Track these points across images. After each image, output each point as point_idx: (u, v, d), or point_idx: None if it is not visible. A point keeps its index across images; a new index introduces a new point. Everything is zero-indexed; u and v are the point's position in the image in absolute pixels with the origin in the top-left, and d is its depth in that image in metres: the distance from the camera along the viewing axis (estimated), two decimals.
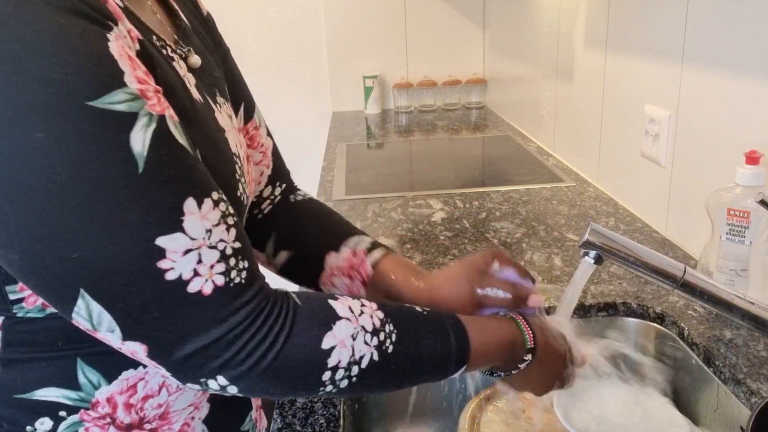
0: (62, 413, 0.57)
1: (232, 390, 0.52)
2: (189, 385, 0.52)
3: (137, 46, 0.50)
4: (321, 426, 0.76)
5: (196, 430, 0.65)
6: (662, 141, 1.20)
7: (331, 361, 0.53)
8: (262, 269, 0.62)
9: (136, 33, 0.51)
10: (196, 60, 0.64)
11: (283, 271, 0.83)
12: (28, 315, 0.55)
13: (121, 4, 0.52)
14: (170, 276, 0.47)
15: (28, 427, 0.57)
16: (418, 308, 0.63)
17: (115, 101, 0.44)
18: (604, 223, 1.31)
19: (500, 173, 1.73)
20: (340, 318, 0.55)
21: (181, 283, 0.47)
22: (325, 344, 0.53)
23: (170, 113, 0.49)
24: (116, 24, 0.47)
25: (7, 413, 0.57)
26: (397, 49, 2.66)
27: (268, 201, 0.84)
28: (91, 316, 0.47)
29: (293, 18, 2.61)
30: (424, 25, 2.64)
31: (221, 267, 0.50)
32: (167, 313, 0.48)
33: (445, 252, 1.19)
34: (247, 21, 2.59)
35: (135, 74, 0.46)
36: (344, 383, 0.55)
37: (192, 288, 0.48)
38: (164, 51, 0.58)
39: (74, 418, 0.57)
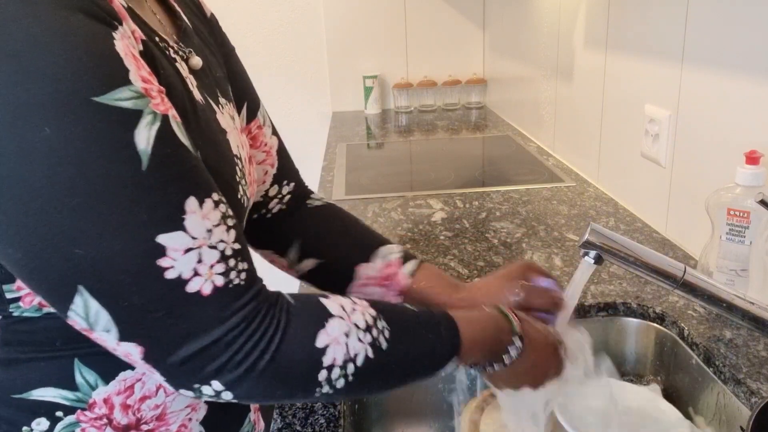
0: (59, 413, 0.57)
1: (227, 396, 0.51)
2: (183, 391, 0.51)
3: (140, 47, 0.50)
4: (321, 426, 0.76)
5: None
6: (662, 141, 1.20)
7: (327, 360, 0.53)
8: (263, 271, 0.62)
9: (139, 33, 0.51)
10: (197, 61, 0.64)
11: (308, 277, 0.83)
12: (25, 315, 0.54)
13: (125, 5, 0.52)
14: (170, 275, 0.47)
15: (25, 428, 0.57)
16: (407, 305, 0.63)
17: (120, 98, 0.44)
18: (604, 223, 1.31)
19: (500, 173, 1.73)
20: (332, 316, 0.55)
21: (180, 283, 0.47)
22: (320, 342, 0.53)
23: (173, 113, 0.49)
24: (121, 23, 0.47)
25: (4, 413, 0.57)
26: (397, 49, 2.66)
27: (276, 200, 0.84)
28: (88, 315, 0.47)
29: (293, 18, 2.61)
30: (424, 25, 2.64)
31: (221, 267, 0.49)
32: (166, 313, 0.47)
33: (445, 252, 1.19)
34: (247, 21, 2.59)
35: (140, 73, 0.46)
36: (341, 382, 0.54)
37: (191, 288, 0.48)
38: (167, 52, 0.58)
39: (71, 418, 0.57)
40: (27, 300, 0.54)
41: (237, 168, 0.64)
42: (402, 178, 1.73)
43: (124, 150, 0.44)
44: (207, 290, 0.48)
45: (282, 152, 0.85)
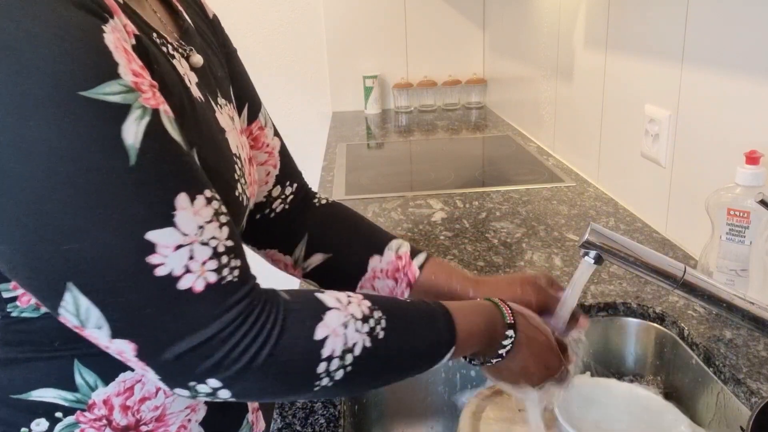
0: (58, 414, 0.57)
1: (224, 394, 0.51)
2: (178, 390, 0.50)
3: (133, 41, 0.50)
4: (321, 426, 0.76)
5: None
6: (662, 141, 1.20)
7: (325, 351, 0.53)
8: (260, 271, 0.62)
9: (132, 28, 0.50)
10: (198, 59, 0.64)
11: (314, 274, 0.83)
12: (24, 314, 0.54)
13: (121, 1, 0.51)
14: (160, 272, 0.46)
15: (24, 429, 0.57)
16: (401, 298, 0.64)
17: (108, 92, 0.44)
18: (604, 223, 1.30)
19: (500, 173, 1.73)
20: (329, 308, 0.55)
21: (171, 280, 0.47)
22: (318, 335, 0.53)
23: (165, 108, 0.48)
24: (112, 17, 0.47)
25: (2, 413, 0.57)
26: (397, 49, 2.66)
27: (279, 200, 0.84)
28: (79, 312, 0.47)
29: (293, 18, 2.61)
30: (424, 25, 2.64)
31: (213, 264, 0.49)
32: (157, 311, 0.47)
33: (445, 252, 1.18)
34: (247, 21, 2.59)
35: (130, 67, 0.46)
36: (339, 374, 0.54)
37: (182, 285, 0.47)
38: (164, 48, 0.58)
39: (70, 419, 0.57)
40: (24, 299, 0.54)
41: (236, 167, 0.64)
42: (402, 178, 1.73)
43: (111, 144, 0.44)
44: (199, 287, 0.48)
45: (284, 153, 0.86)
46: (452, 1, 2.62)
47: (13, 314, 0.54)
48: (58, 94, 0.42)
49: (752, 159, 0.87)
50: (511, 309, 0.68)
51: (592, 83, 1.54)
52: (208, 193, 0.50)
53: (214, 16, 0.79)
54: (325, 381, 0.54)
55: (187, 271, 0.47)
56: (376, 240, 0.82)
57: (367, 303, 0.58)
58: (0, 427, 0.57)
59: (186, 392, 0.51)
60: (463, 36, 2.68)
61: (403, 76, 2.69)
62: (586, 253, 0.70)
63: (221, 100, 0.68)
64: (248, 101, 0.80)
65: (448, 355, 0.62)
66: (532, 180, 1.63)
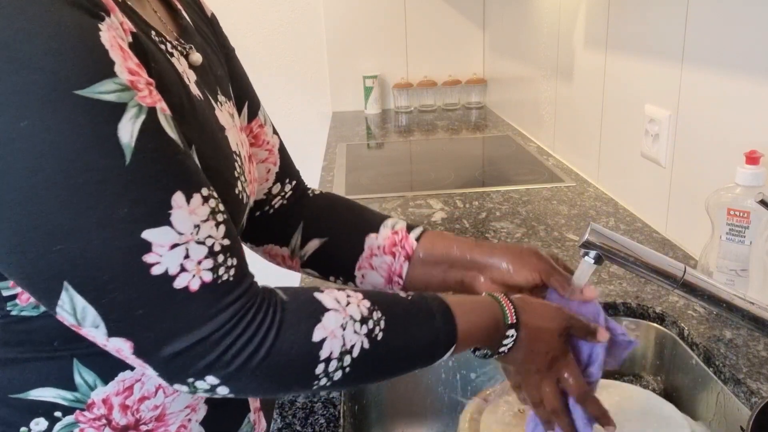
0: (58, 414, 0.57)
1: (223, 391, 0.51)
2: (177, 386, 0.51)
3: (130, 39, 0.49)
4: (321, 426, 0.76)
5: None
6: (662, 141, 1.20)
7: (323, 353, 0.53)
8: (259, 269, 0.62)
9: (129, 26, 0.50)
10: (197, 57, 0.64)
11: (312, 261, 0.82)
12: (23, 313, 0.54)
13: None
14: (156, 270, 0.46)
15: (23, 428, 0.57)
16: (402, 294, 0.63)
17: (104, 91, 0.44)
18: (604, 223, 1.30)
19: (500, 173, 1.73)
20: (327, 309, 0.55)
21: (167, 279, 0.47)
22: (316, 336, 0.53)
23: (162, 106, 0.48)
24: (108, 15, 0.47)
25: (2, 413, 0.57)
26: (397, 49, 2.66)
27: (279, 197, 0.85)
28: (75, 311, 0.47)
29: (293, 18, 2.61)
30: (424, 25, 2.63)
31: (209, 263, 0.49)
32: (153, 309, 0.47)
33: None
34: (247, 21, 2.59)
35: (126, 65, 0.46)
36: (338, 375, 0.54)
37: (178, 284, 0.47)
38: (163, 46, 0.58)
39: (70, 418, 0.57)
40: (24, 297, 0.54)
41: (236, 164, 0.64)
42: (402, 178, 1.73)
43: (107, 144, 0.44)
44: (194, 286, 0.48)
45: (283, 151, 0.86)
46: (452, 1, 2.62)
47: (13, 313, 0.54)
48: (53, 93, 0.42)
49: (752, 159, 0.87)
50: (514, 306, 0.66)
51: (592, 83, 1.54)
52: (204, 191, 0.50)
53: (213, 15, 0.79)
54: (324, 381, 0.54)
55: (183, 270, 0.47)
56: (372, 220, 0.82)
57: (367, 303, 0.58)
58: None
59: (185, 388, 0.51)
60: (463, 36, 2.68)
61: (403, 76, 2.69)
62: (586, 253, 0.69)
63: (221, 98, 0.68)
64: (248, 99, 0.80)
65: (448, 354, 0.62)
66: (532, 180, 1.63)
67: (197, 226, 0.49)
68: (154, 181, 0.46)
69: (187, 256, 0.48)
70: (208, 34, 0.74)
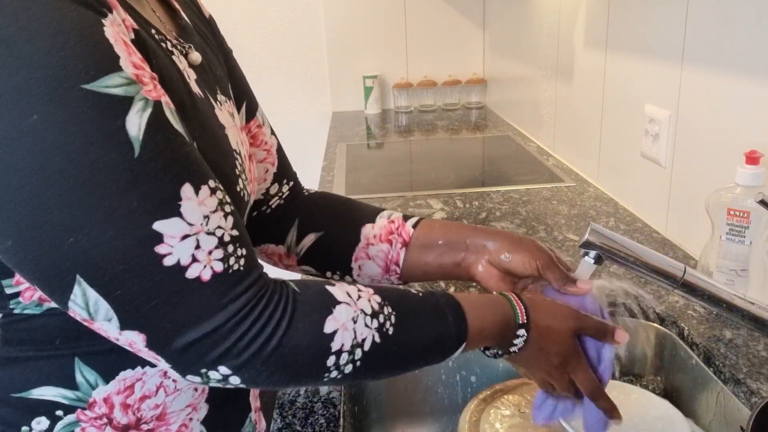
0: (59, 413, 0.57)
1: (235, 381, 0.52)
2: (190, 377, 0.51)
3: (131, 35, 0.50)
4: (321, 426, 0.76)
5: (194, 431, 0.65)
6: (662, 141, 1.20)
7: (335, 345, 0.53)
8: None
9: (131, 22, 0.51)
10: (196, 56, 0.64)
11: (308, 257, 0.83)
12: (26, 311, 0.54)
13: None
14: (168, 261, 0.47)
15: (24, 427, 0.57)
16: (413, 290, 0.63)
17: (110, 85, 0.44)
18: (604, 223, 1.31)
19: (500, 173, 1.73)
20: (339, 302, 0.55)
21: (179, 269, 0.47)
22: (327, 328, 0.53)
23: (166, 100, 0.49)
24: (111, 11, 0.47)
25: (3, 412, 0.57)
26: (397, 49, 2.66)
27: (276, 198, 0.85)
28: (88, 305, 0.47)
29: (293, 18, 2.61)
30: (424, 25, 2.64)
31: (219, 253, 0.49)
32: (166, 300, 0.47)
33: None
34: (247, 21, 2.59)
35: (130, 59, 0.46)
36: (348, 368, 0.55)
37: (190, 274, 0.48)
38: (163, 45, 0.58)
39: (71, 417, 0.57)
40: (27, 295, 0.54)
41: (236, 162, 0.64)
42: (402, 178, 1.73)
43: (116, 137, 0.44)
44: (206, 276, 0.48)
45: (281, 152, 0.86)
46: (452, 1, 2.62)
47: (16, 311, 0.54)
48: (60, 88, 0.42)
49: (752, 159, 0.88)
50: (525, 305, 0.66)
51: (592, 83, 1.54)
52: (212, 183, 0.51)
53: (210, 16, 0.79)
54: (335, 374, 0.55)
55: (194, 260, 0.48)
56: (367, 211, 0.82)
57: (378, 298, 0.58)
58: (1, 425, 0.57)
59: (198, 379, 0.51)
60: (463, 36, 2.68)
61: (403, 76, 2.69)
62: (586, 253, 0.69)
63: (221, 97, 0.68)
64: (246, 100, 0.80)
65: (458, 351, 0.62)
66: (532, 180, 1.63)
67: (206, 217, 0.49)
68: (163, 173, 0.46)
69: (198, 247, 0.48)
70: (207, 34, 0.75)
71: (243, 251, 0.52)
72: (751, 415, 0.62)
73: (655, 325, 0.96)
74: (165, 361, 0.50)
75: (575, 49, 1.64)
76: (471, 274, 0.76)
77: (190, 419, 0.64)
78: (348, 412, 0.86)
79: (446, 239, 0.78)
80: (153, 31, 0.57)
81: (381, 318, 0.57)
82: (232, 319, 0.49)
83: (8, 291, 0.53)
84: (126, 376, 0.58)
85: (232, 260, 0.50)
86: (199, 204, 0.49)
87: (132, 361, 0.57)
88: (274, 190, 0.84)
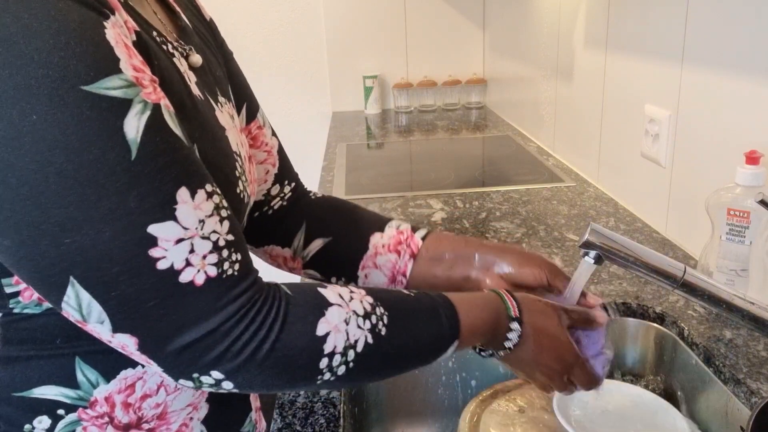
0: (60, 411, 0.57)
1: (228, 386, 0.52)
2: (182, 381, 0.51)
3: (133, 37, 0.50)
4: (321, 426, 0.76)
5: (194, 431, 0.65)
6: (662, 141, 1.20)
7: (327, 347, 0.53)
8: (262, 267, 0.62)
9: (132, 24, 0.51)
10: (197, 59, 0.64)
11: (314, 261, 0.83)
12: (26, 310, 0.54)
13: None
14: (162, 265, 0.47)
15: (26, 426, 0.57)
16: (405, 291, 0.63)
17: (110, 87, 0.44)
18: (604, 223, 1.31)
19: (500, 173, 1.73)
20: (331, 304, 0.55)
21: (172, 273, 0.47)
22: (320, 330, 0.53)
23: (165, 103, 0.49)
24: (113, 13, 0.47)
25: (5, 411, 0.57)
26: (397, 49, 2.66)
27: (278, 198, 0.85)
28: (81, 306, 0.47)
29: (293, 18, 2.61)
30: (424, 25, 2.64)
31: (214, 258, 0.49)
32: (158, 304, 0.47)
33: None
34: (247, 21, 2.59)
35: (131, 62, 0.46)
36: (342, 369, 0.55)
37: (184, 278, 0.48)
38: (165, 47, 0.58)
39: (72, 416, 0.57)
40: (26, 294, 0.54)
41: (237, 164, 0.64)
42: (402, 178, 1.73)
43: (114, 139, 0.44)
44: (199, 280, 0.48)
45: (282, 153, 0.86)
46: (452, 1, 2.63)
47: (16, 310, 0.54)
48: (61, 88, 0.42)
49: (752, 159, 0.88)
50: (516, 301, 0.67)
51: (592, 83, 1.54)
52: (208, 187, 0.51)
53: (211, 19, 0.79)
54: (328, 375, 0.54)
55: (188, 264, 0.48)
56: (376, 220, 0.83)
57: (370, 299, 0.58)
58: (2, 425, 0.57)
59: (190, 383, 0.51)
60: (463, 36, 2.68)
61: (403, 76, 2.69)
62: (586, 253, 0.70)
63: (221, 99, 0.68)
64: (246, 101, 0.80)
65: (451, 350, 0.62)
66: (532, 180, 1.63)
67: (202, 222, 0.49)
68: (160, 177, 0.47)
69: (192, 251, 0.48)
70: (207, 36, 0.75)
71: (238, 256, 0.52)
72: (751, 415, 0.62)
73: (655, 325, 0.96)
74: (157, 365, 0.50)
75: (575, 49, 1.64)
76: (482, 289, 0.76)
77: (191, 418, 0.64)
78: (348, 412, 0.86)
79: (455, 253, 0.78)
80: (154, 33, 0.57)
81: (373, 319, 0.57)
82: (225, 324, 0.49)
83: (8, 290, 0.54)
84: (127, 375, 0.58)
85: (226, 265, 0.50)
86: (194, 208, 0.49)
87: (133, 360, 0.57)
88: (275, 191, 0.85)
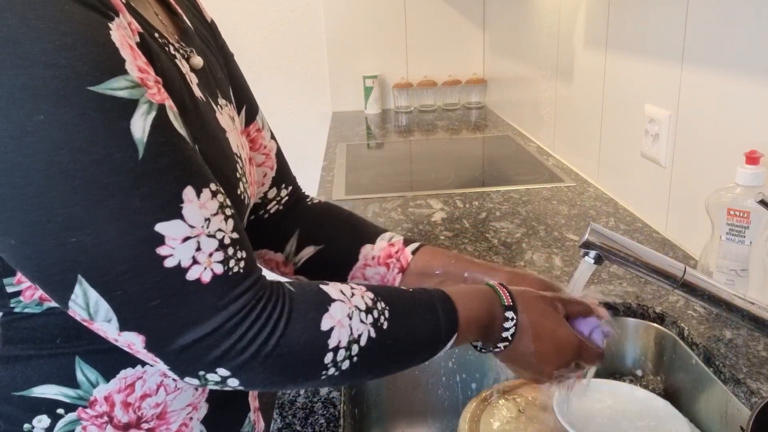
0: (60, 411, 0.57)
1: (233, 383, 0.52)
2: (188, 379, 0.51)
3: (137, 38, 0.50)
4: (321, 426, 0.76)
5: (194, 431, 0.65)
6: (662, 141, 1.20)
7: (332, 342, 0.54)
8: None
9: (136, 26, 0.51)
10: (198, 61, 0.65)
11: (305, 268, 0.83)
12: (26, 310, 0.55)
13: (124, 0, 0.52)
14: (169, 263, 0.47)
15: (26, 425, 0.57)
16: (403, 287, 0.64)
17: (116, 87, 0.45)
18: (604, 223, 1.31)
19: (500, 173, 1.73)
20: (334, 300, 0.56)
21: (179, 271, 0.48)
22: (324, 326, 0.54)
23: (170, 103, 0.49)
24: (118, 15, 0.48)
25: (5, 411, 0.57)
26: (397, 49, 2.66)
27: (275, 202, 0.85)
28: (88, 305, 0.47)
29: (293, 18, 2.61)
30: (424, 25, 2.64)
31: (220, 255, 0.50)
32: (166, 302, 0.48)
33: None
34: (247, 21, 2.59)
35: (136, 63, 0.47)
36: (346, 364, 0.55)
37: (191, 276, 0.48)
38: (167, 48, 0.58)
39: (72, 416, 0.57)
40: (28, 294, 0.54)
41: (237, 165, 0.65)
42: (402, 178, 1.73)
43: (120, 139, 0.45)
44: (206, 278, 0.49)
45: (280, 156, 0.87)
46: (452, 1, 2.63)
47: (16, 310, 0.55)
48: (67, 88, 0.43)
49: (752, 159, 0.88)
50: (510, 292, 0.67)
51: (592, 83, 1.54)
52: (213, 186, 0.51)
53: (212, 21, 0.80)
54: (332, 371, 0.55)
55: (195, 262, 0.48)
56: (369, 231, 0.83)
57: (370, 294, 0.59)
58: (2, 424, 0.57)
59: (196, 381, 0.52)
60: (463, 36, 2.68)
61: (403, 76, 2.69)
62: (586, 253, 0.70)
63: (221, 101, 0.68)
64: (246, 103, 0.81)
65: (451, 342, 0.62)
66: (532, 180, 1.63)
67: (207, 220, 0.50)
68: (166, 176, 0.47)
69: (198, 249, 0.49)
70: (208, 38, 0.75)
71: (243, 254, 0.52)
72: (751, 415, 0.62)
73: (655, 325, 0.96)
74: (164, 363, 0.50)
75: (575, 49, 1.64)
76: None
77: (191, 418, 0.64)
78: (348, 412, 0.86)
79: (445, 270, 0.79)
80: (156, 34, 0.58)
81: (375, 313, 0.58)
82: (231, 321, 0.50)
83: (9, 290, 0.54)
84: (127, 374, 0.58)
85: (232, 262, 0.51)
86: (200, 207, 0.49)
87: (133, 359, 0.57)
88: (272, 194, 0.85)
